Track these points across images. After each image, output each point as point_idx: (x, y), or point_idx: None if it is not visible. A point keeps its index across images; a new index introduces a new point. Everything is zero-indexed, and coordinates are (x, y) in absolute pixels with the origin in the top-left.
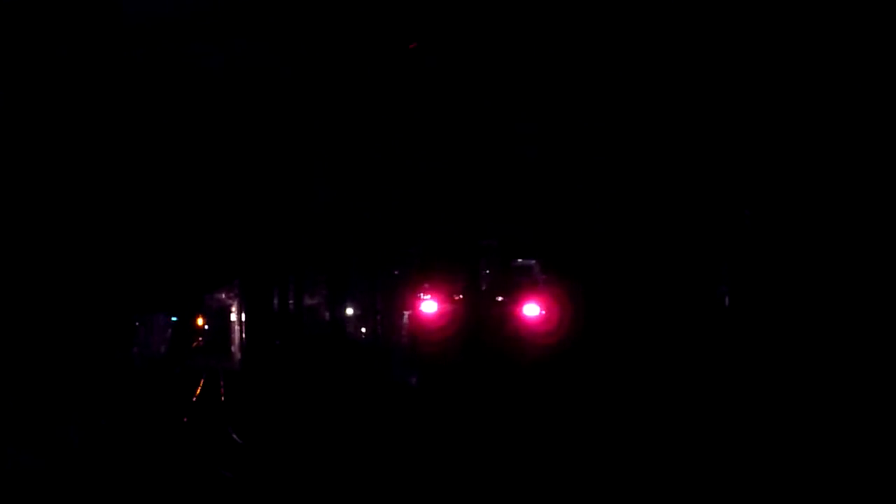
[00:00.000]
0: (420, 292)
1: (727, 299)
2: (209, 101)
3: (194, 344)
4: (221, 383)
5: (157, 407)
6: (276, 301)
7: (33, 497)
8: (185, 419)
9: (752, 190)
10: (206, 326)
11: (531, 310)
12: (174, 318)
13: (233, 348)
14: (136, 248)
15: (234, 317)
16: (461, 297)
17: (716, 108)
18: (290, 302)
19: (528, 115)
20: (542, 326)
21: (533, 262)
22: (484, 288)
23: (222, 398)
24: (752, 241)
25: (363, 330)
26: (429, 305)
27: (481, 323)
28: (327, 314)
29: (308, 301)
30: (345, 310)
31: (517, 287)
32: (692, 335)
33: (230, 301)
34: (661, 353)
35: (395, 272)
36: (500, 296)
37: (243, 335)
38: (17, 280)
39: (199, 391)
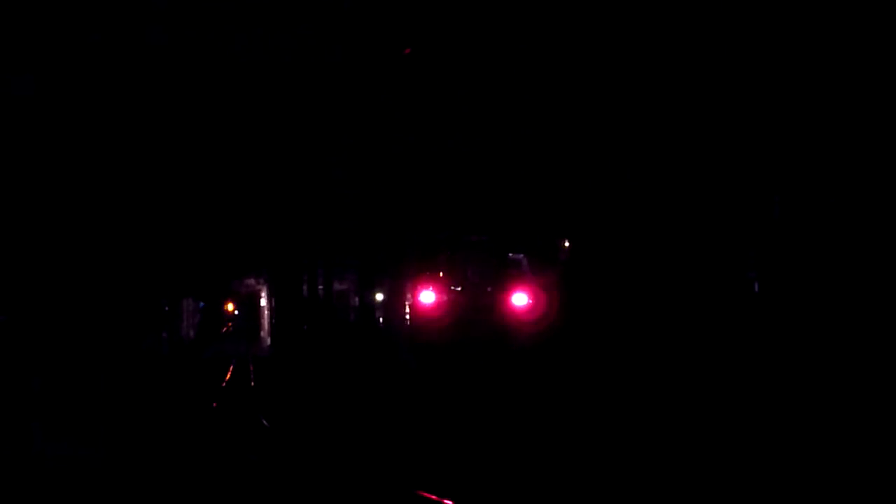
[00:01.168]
0: (420, 283)
1: (756, 285)
2: (237, 92)
3: (224, 329)
4: (251, 368)
5: (186, 392)
6: (305, 287)
7: (62, 484)
8: (215, 405)
9: (781, 175)
10: (236, 312)
11: (519, 299)
12: (203, 304)
13: (262, 333)
14: (165, 234)
15: (263, 302)
16: (457, 287)
17: (743, 95)
18: (320, 287)
19: (528, 116)
20: (529, 314)
21: (522, 256)
22: (477, 279)
23: (252, 384)
24: (782, 227)
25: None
26: (427, 296)
27: (475, 311)
28: (357, 299)
29: (338, 286)
30: (374, 295)
31: (507, 278)
32: (720, 322)
33: (260, 287)
34: (669, 339)
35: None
36: (491, 286)
37: (273, 320)
38: (49, 267)
39: (228, 377)
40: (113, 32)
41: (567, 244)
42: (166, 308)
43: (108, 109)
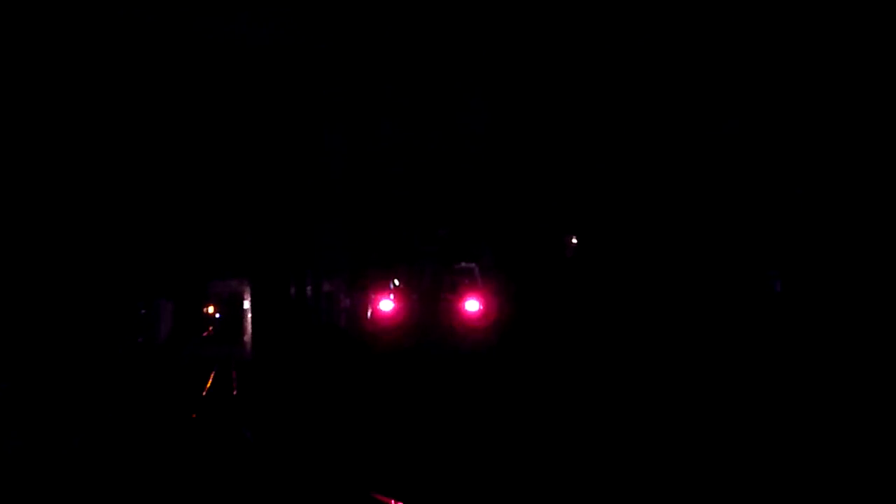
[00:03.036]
0: (379, 290)
1: (778, 284)
2: (215, 75)
3: (205, 333)
4: (234, 375)
5: (164, 402)
6: (293, 288)
7: (32, 496)
8: (195, 416)
9: (804, 167)
10: (218, 315)
11: (471, 305)
12: (182, 306)
13: (245, 337)
14: (142, 233)
15: (247, 304)
16: (413, 294)
17: (763, 84)
18: (308, 288)
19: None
20: (480, 320)
21: (474, 265)
22: (430, 286)
23: (234, 392)
24: (806, 222)
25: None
26: (385, 304)
27: (430, 316)
28: (348, 301)
29: (328, 287)
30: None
31: (459, 286)
32: (733, 322)
33: (243, 288)
34: (671, 339)
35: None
36: (446, 293)
37: (257, 324)
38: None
39: (209, 384)
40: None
41: (574, 241)
42: (143, 311)
43: (71, 94)
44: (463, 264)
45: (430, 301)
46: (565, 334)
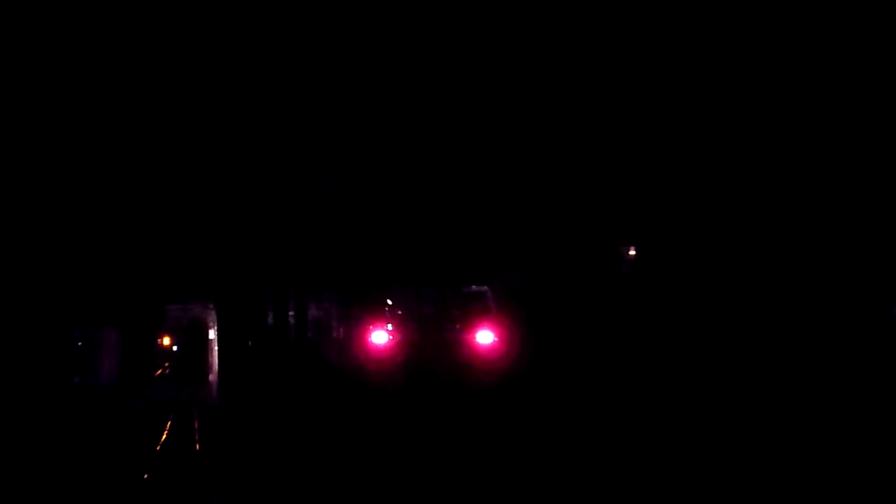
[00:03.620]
0: (372, 320)
1: None
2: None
3: (159, 371)
4: (196, 425)
5: (107, 460)
6: (270, 314)
7: None
8: (146, 476)
9: None
10: (175, 347)
11: (484, 336)
12: (129, 335)
13: (211, 376)
14: (79, 243)
15: (213, 334)
16: (411, 324)
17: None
18: (291, 315)
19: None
20: (495, 354)
21: (486, 287)
22: (432, 314)
23: (197, 446)
24: None
25: None
26: (378, 335)
27: (431, 350)
28: (341, 330)
29: (315, 313)
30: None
31: (469, 313)
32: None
33: (208, 314)
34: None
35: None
36: (450, 322)
37: (226, 359)
38: None
39: (164, 436)
40: None
41: (633, 252)
42: (79, 343)
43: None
44: (473, 287)
45: (433, 331)
46: (618, 365)
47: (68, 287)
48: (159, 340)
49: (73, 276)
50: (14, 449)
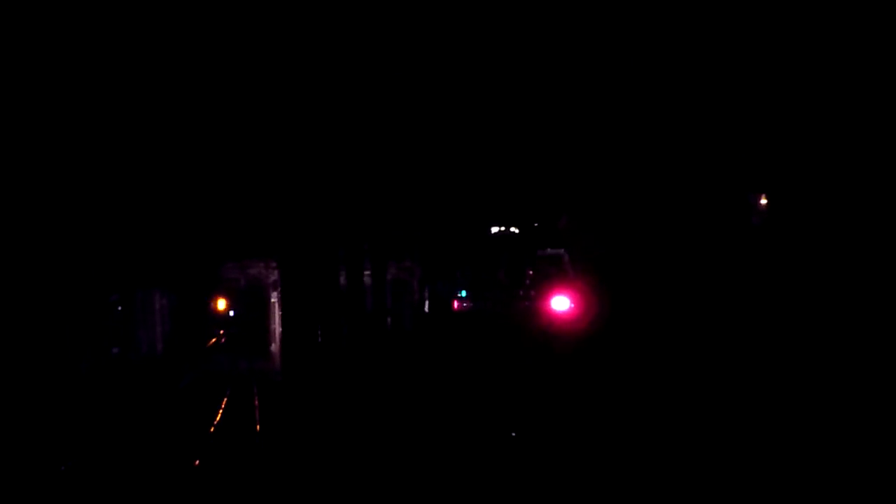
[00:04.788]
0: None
1: None
2: None
3: (213, 340)
4: (256, 403)
5: (149, 445)
6: (343, 275)
7: None
8: (197, 463)
9: None
10: (232, 312)
11: (560, 303)
12: (177, 299)
13: (273, 346)
14: (117, 190)
15: (275, 298)
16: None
17: None
18: (367, 274)
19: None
20: (572, 321)
21: (562, 251)
22: (505, 280)
23: (257, 427)
24: None
25: None
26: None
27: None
28: (424, 292)
29: (395, 273)
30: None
31: (544, 279)
32: None
33: (269, 275)
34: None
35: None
36: (524, 289)
37: (291, 326)
38: None
39: (219, 417)
40: None
41: (765, 202)
42: (119, 308)
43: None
44: (549, 250)
45: (505, 299)
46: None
47: (104, 244)
48: (213, 305)
49: (109, 231)
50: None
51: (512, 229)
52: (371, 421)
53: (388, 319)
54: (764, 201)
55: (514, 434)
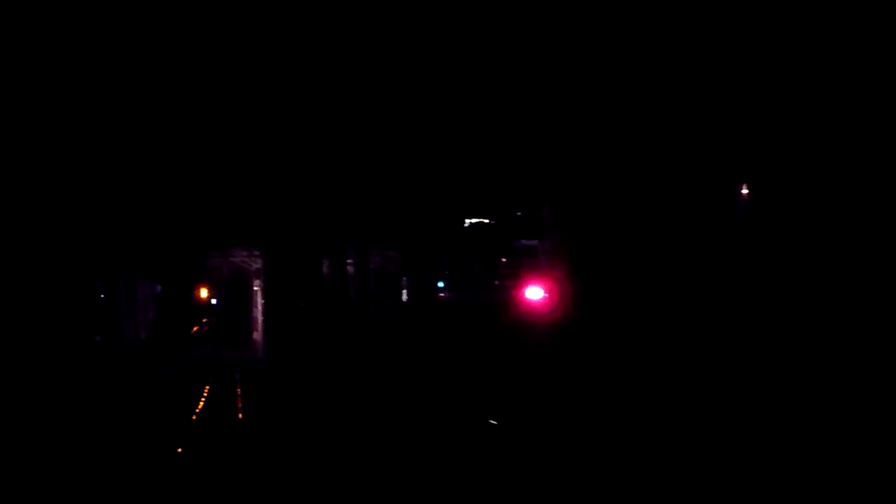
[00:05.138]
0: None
1: None
2: None
3: (195, 328)
4: (238, 391)
5: (130, 434)
6: (326, 263)
7: None
8: (179, 450)
9: None
10: (215, 301)
11: (534, 293)
12: (161, 287)
13: (255, 334)
14: (101, 181)
15: (258, 286)
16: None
17: None
18: (349, 263)
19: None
20: (545, 310)
21: (535, 242)
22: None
23: (239, 415)
24: None
25: None
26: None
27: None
28: (406, 280)
29: (378, 261)
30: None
31: (519, 269)
32: None
33: (253, 263)
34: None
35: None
36: (499, 279)
37: (273, 315)
38: None
39: (201, 405)
40: None
41: (746, 191)
42: (102, 295)
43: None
44: (523, 241)
45: (481, 289)
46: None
47: (89, 232)
48: (196, 293)
49: (94, 219)
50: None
51: (485, 221)
52: (353, 408)
53: (371, 308)
54: (746, 192)
55: (493, 422)
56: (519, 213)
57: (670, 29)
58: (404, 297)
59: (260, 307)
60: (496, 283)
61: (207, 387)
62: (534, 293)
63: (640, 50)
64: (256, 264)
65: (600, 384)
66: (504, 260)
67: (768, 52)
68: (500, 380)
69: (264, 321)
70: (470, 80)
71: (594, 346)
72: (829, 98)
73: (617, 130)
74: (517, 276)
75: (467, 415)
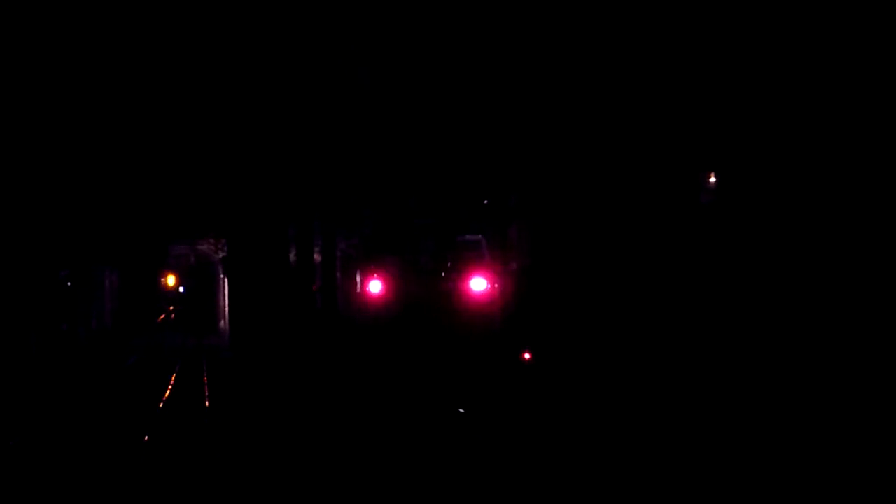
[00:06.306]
0: (368, 270)
1: None
2: None
3: (162, 316)
4: (205, 379)
5: (96, 424)
6: (293, 252)
7: None
8: (146, 438)
9: None
10: (182, 289)
11: (478, 284)
12: (127, 276)
13: (222, 322)
14: (68, 171)
15: (224, 275)
16: (405, 274)
17: None
18: (316, 251)
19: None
20: (489, 300)
21: (480, 236)
22: (428, 265)
23: (206, 403)
24: None
25: None
26: (374, 285)
27: (427, 299)
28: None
29: (345, 248)
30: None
31: (463, 263)
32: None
33: (218, 252)
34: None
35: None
36: (445, 272)
37: (240, 303)
38: None
39: (168, 394)
40: None
41: (713, 180)
42: (69, 284)
43: None
44: (468, 236)
45: (425, 281)
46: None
47: (54, 220)
48: (163, 281)
49: (60, 208)
50: None
51: (430, 220)
52: (318, 395)
53: (338, 295)
54: (713, 179)
55: (461, 410)
56: (486, 201)
57: (635, 17)
58: (358, 287)
59: (226, 295)
60: (443, 275)
61: (174, 375)
62: (478, 284)
63: (604, 37)
64: (223, 253)
65: (558, 369)
66: (450, 254)
67: (733, 38)
68: (453, 363)
69: (229, 310)
70: (435, 69)
71: (540, 335)
72: (794, 84)
73: (583, 118)
74: (462, 269)
75: (427, 402)
